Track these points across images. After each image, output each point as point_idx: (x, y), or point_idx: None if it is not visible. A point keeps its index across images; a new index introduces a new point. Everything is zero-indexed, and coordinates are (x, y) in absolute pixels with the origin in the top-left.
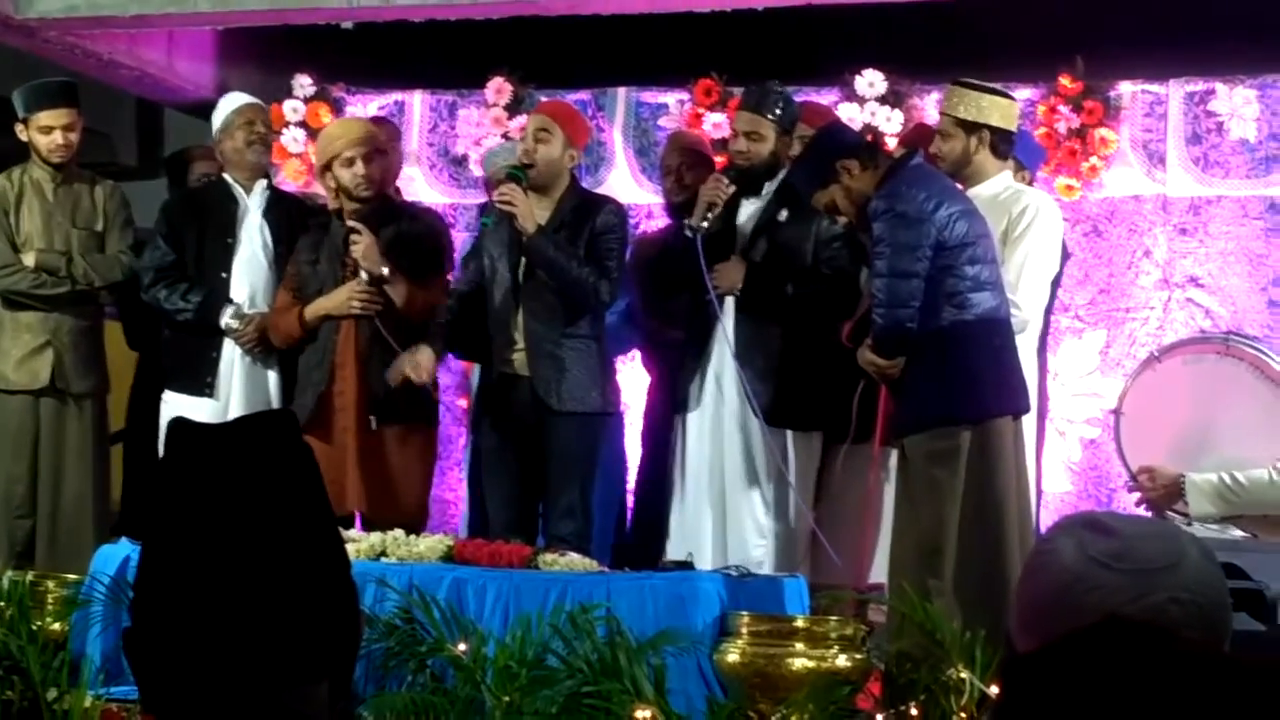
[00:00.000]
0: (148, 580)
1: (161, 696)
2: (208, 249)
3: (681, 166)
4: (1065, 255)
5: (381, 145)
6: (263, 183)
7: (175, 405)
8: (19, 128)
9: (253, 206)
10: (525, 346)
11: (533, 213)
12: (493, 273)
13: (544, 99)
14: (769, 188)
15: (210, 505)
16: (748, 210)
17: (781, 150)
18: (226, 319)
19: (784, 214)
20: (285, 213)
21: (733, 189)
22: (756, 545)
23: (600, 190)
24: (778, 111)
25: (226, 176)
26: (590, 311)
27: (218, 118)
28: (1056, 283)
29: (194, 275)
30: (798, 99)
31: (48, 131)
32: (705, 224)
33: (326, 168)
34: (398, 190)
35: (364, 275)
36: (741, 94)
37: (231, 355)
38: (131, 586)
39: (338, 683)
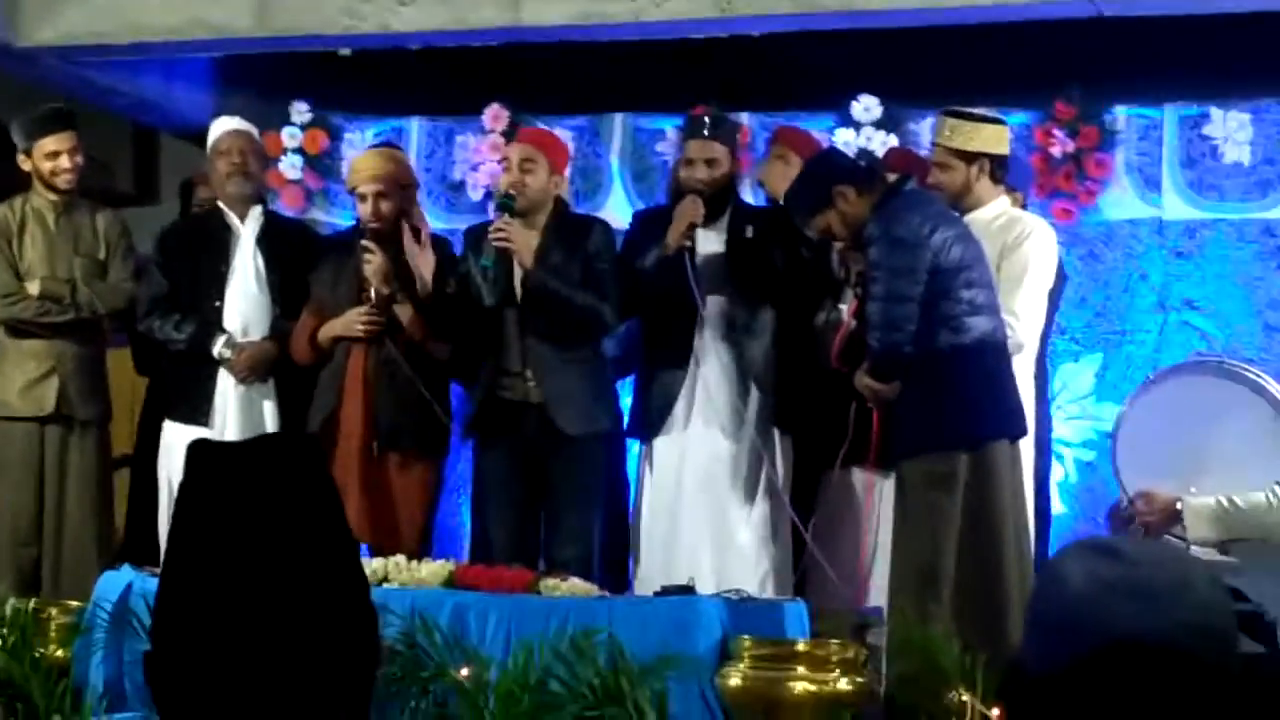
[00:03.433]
0: (168, 603)
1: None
2: (201, 277)
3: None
4: (1063, 278)
5: (399, 181)
6: (257, 210)
7: (173, 434)
8: (21, 158)
9: (246, 234)
10: (531, 371)
11: (530, 246)
12: (486, 299)
13: (525, 129)
14: (730, 209)
15: (231, 529)
16: (708, 235)
17: (733, 171)
18: (219, 348)
19: (749, 230)
20: (280, 240)
21: (703, 211)
22: (759, 563)
23: (598, 216)
24: (727, 135)
25: (220, 204)
26: (596, 336)
27: (208, 145)
28: (1054, 306)
29: (187, 304)
30: (794, 124)
31: (53, 157)
32: (688, 243)
33: (351, 194)
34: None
35: (373, 295)
36: (687, 124)
37: (226, 384)
38: (150, 609)
39: (357, 710)
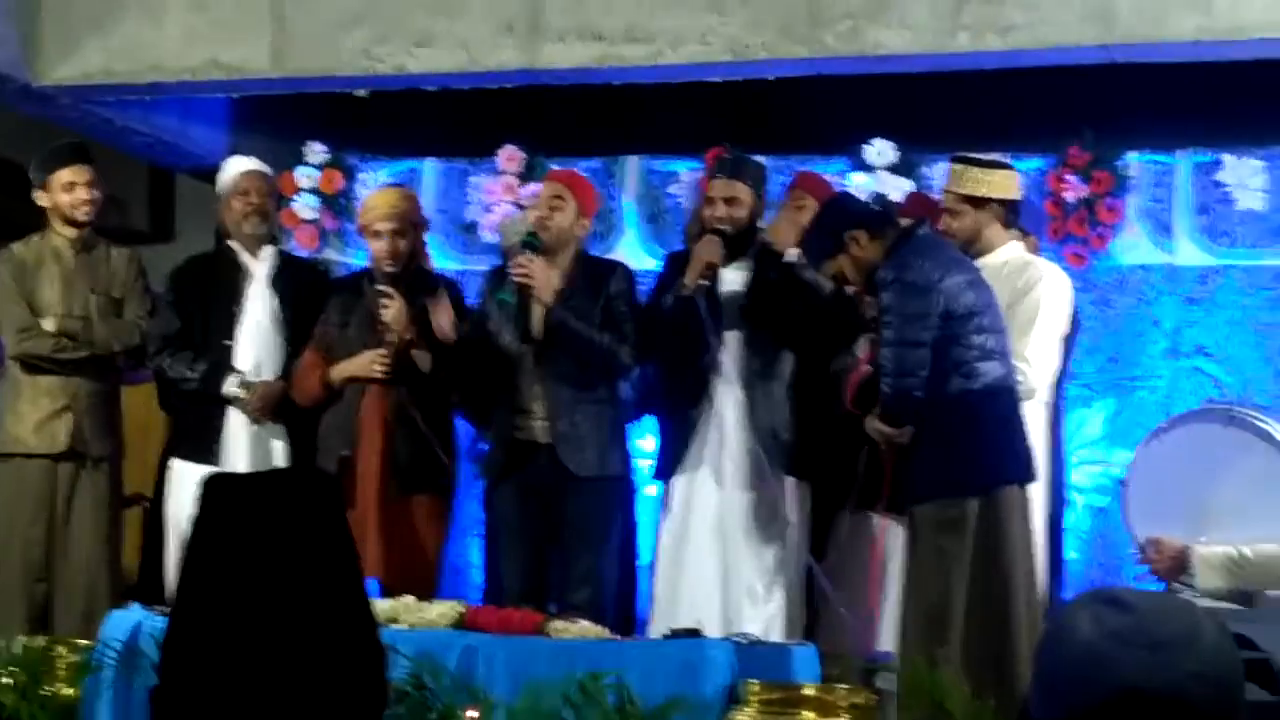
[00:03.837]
0: (176, 636)
1: None
2: (213, 317)
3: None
4: (1076, 324)
5: (412, 219)
6: (270, 249)
7: (180, 472)
8: (38, 194)
9: (259, 274)
10: (546, 412)
11: (550, 283)
12: (504, 342)
13: (555, 167)
14: (752, 251)
15: (243, 562)
16: (731, 276)
17: (756, 211)
18: (230, 387)
19: (773, 274)
20: (294, 279)
21: (723, 251)
22: (766, 602)
23: (610, 257)
24: (750, 175)
25: (232, 244)
26: (614, 378)
27: (220, 184)
28: (1068, 352)
29: (199, 343)
30: (805, 168)
31: (70, 189)
32: (705, 283)
33: (363, 233)
34: (427, 258)
35: (390, 339)
36: (714, 163)
37: (237, 423)
38: (159, 644)
39: None
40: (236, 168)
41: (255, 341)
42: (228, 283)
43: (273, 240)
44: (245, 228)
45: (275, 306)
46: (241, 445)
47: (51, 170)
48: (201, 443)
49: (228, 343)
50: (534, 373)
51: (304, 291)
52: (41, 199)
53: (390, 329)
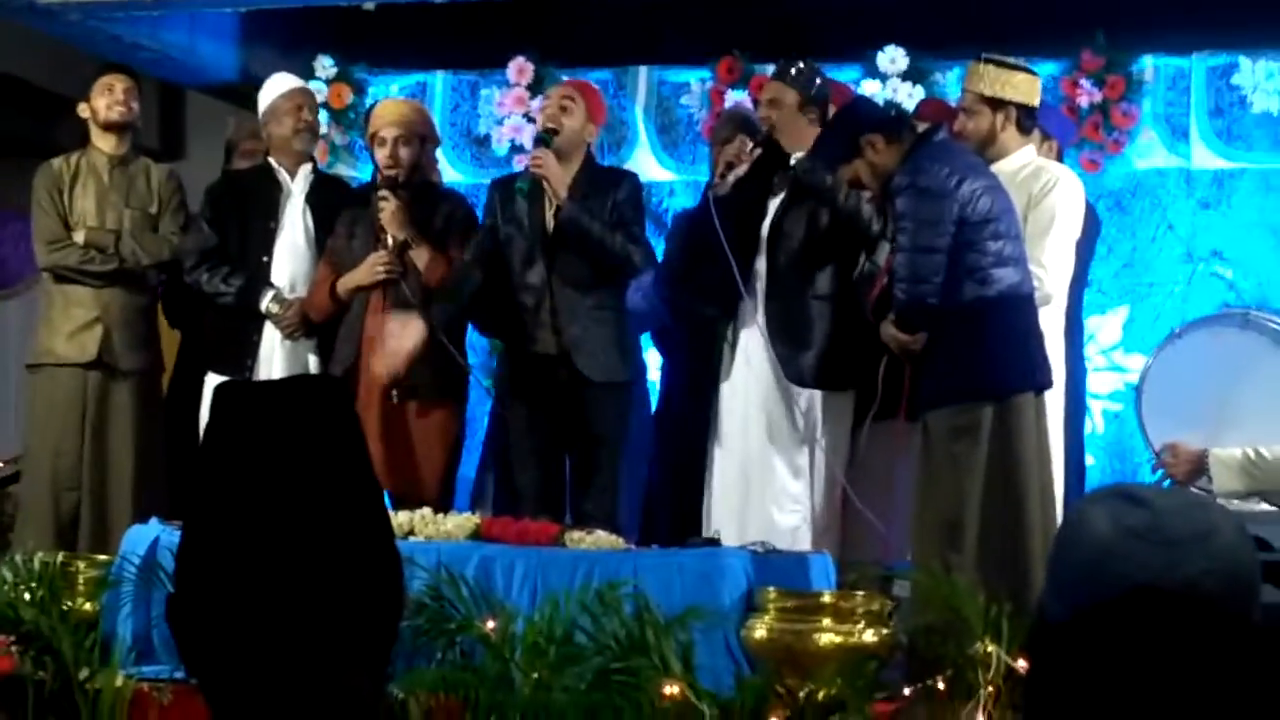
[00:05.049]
0: (191, 545)
1: (204, 664)
2: (250, 233)
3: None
4: (1096, 228)
5: (419, 131)
6: (307, 167)
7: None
8: (80, 107)
9: (296, 191)
10: (558, 319)
11: (564, 180)
12: (515, 248)
13: (566, 78)
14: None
15: (256, 472)
16: (780, 181)
17: (800, 124)
18: (266, 303)
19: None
20: (330, 197)
21: (757, 152)
22: (791, 511)
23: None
24: (793, 75)
25: (271, 160)
26: (624, 279)
27: (264, 100)
28: (1086, 256)
29: (236, 259)
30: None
31: (109, 90)
32: (728, 181)
33: (370, 142)
34: (436, 171)
35: (390, 241)
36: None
37: (272, 339)
38: (174, 553)
39: (379, 658)
40: (284, 84)
41: (291, 258)
42: (265, 199)
43: (310, 158)
44: (296, 144)
45: (311, 223)
46: (277, 360)
47: (93, 78)
48: (238, 357)
49: (265, 259)
50: (545, 280)
51: (340, 209)
52: (83, 110)
53: (386, 230)
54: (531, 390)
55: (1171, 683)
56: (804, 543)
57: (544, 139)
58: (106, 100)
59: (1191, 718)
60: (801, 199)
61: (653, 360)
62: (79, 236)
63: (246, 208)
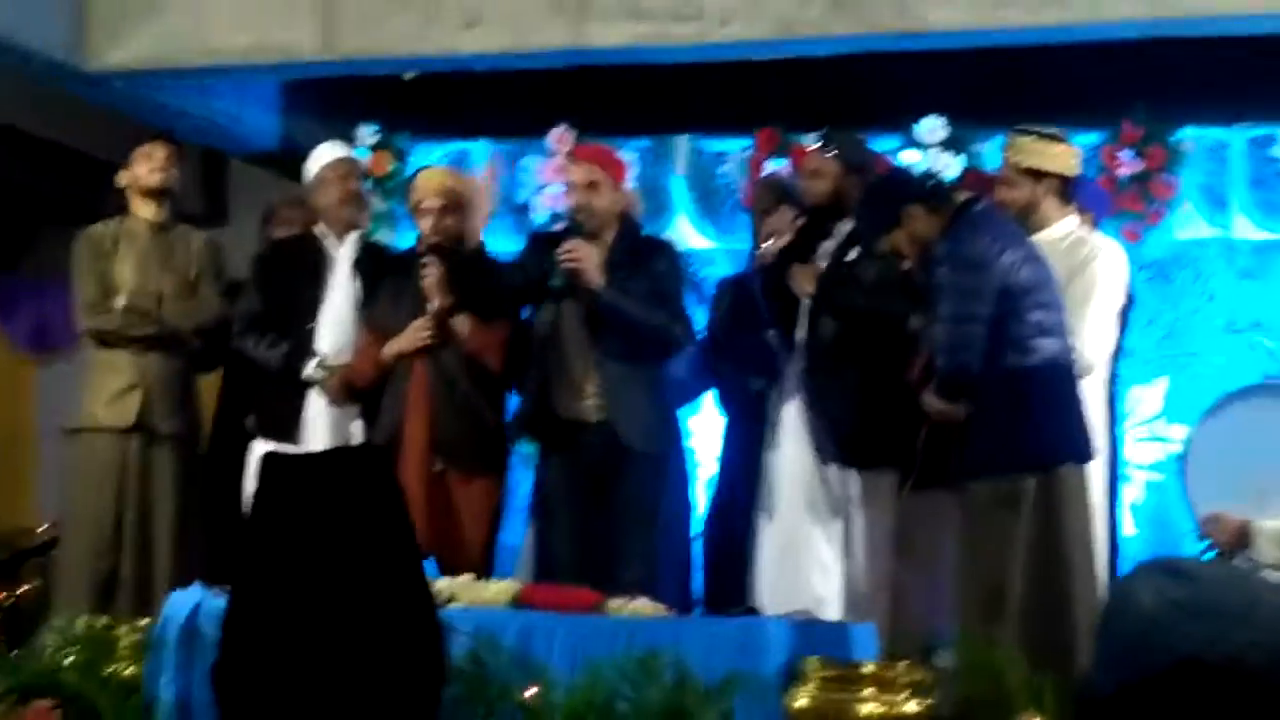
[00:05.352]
0: (237, 613)
1: None
2: (296, 300)
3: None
4: (1131, 300)
5: (461, 200)
6: (354, 235)
7: (262, 452)
8: (120, 175)
9: (343, 258)
10: (600, 390)
11: (598, 265)
12: (553, 322)
13: (580, 146)
14: (841, 229)
15: (302, 542)
16: (822, 251)
17: (847, 190)
18: (310, 370)
19: (853, 253)
20: (376, 265)
21: (800, 221)
22: (826, 581)
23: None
24: (836, 150)
25: (317, 229)
26: (669, 355)
27: (311, 169)
28: (1124, 327)
29: (281, 325)
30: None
31: (148, 156)
32: (771, 250)
33: (414, 211)
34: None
35: (432, 308)
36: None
37: (317, 406)
38: (220, 622)
39: None
40: (332, 153)
41: (336, 326)
42: (312, 267)
43: (357, 226)
44: (343, 213)
45: (357, 291)
46: (321, 426)
47: (135, 146)
48: (284, 424)
49: (310, 326)
50: (587, 354)
51: (383, 276)
52: (123, 177)
53: (429, 297)
54: (569, 455)
55: None
56: (837, 613)
57: (575, 228)
58: (146, 166)
59: None
60: (850, 266)
61: (702, 425)
62: (119, 301)
63: (293, 275)
